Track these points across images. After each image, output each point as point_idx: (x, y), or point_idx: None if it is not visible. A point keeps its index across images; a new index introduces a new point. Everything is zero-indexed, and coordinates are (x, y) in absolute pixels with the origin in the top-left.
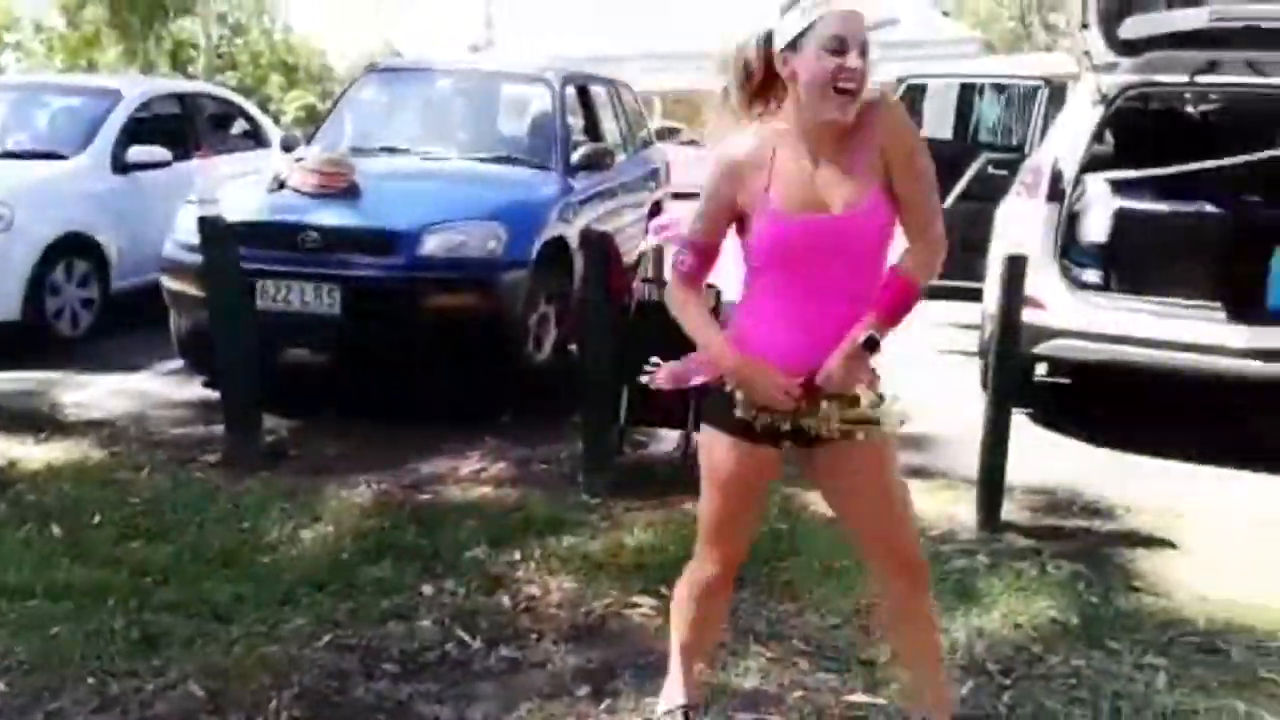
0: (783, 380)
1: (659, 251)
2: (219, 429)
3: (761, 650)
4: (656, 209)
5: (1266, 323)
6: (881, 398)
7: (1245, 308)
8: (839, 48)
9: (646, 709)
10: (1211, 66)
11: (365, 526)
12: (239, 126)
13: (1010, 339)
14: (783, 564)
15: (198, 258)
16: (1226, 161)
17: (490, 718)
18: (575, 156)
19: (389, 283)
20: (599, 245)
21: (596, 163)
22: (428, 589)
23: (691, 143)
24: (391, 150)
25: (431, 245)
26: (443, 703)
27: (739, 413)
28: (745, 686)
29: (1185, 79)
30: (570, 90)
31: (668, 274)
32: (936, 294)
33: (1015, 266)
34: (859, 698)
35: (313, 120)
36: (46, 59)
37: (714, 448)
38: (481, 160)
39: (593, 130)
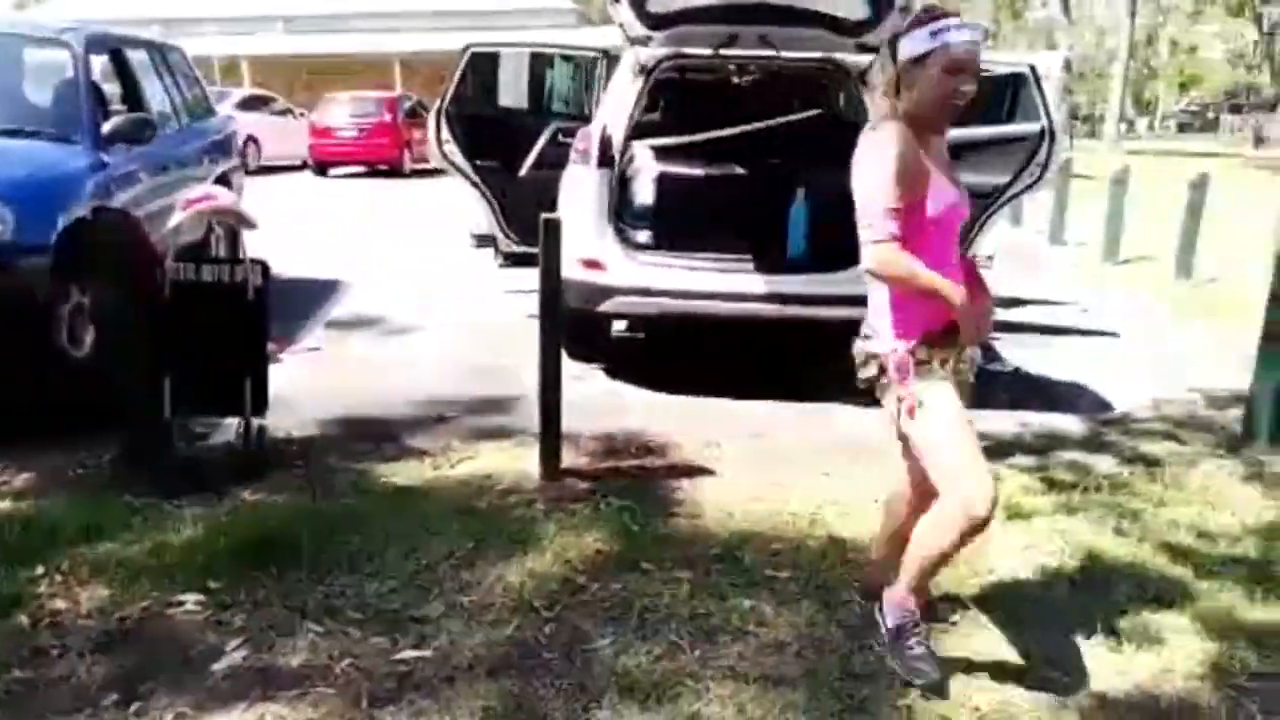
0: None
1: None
2: None
3: (312, 626)
4: (224, 184)
5: (787, 271)
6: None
7: (769, 259)
8: (959, 69)
9: (181, 706)
10: (732, 40)
11: None
12: None
13: (553, 298)
14: (346, 538)
15: None
16: (750, 127)
17: None
18: (107, 128)
19: None
20: (118, 225)
21: (134, 135)
22: None
23: (286, 112)
24: None
25: None
26: None
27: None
28: (292, 664)
29: (710, 51)
30: (100, 54)
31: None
32: (520, 261)
33: (550, 230)
34: (408, 654)
35: None
36: None
37: (939, 392)
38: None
39: (133, 99)
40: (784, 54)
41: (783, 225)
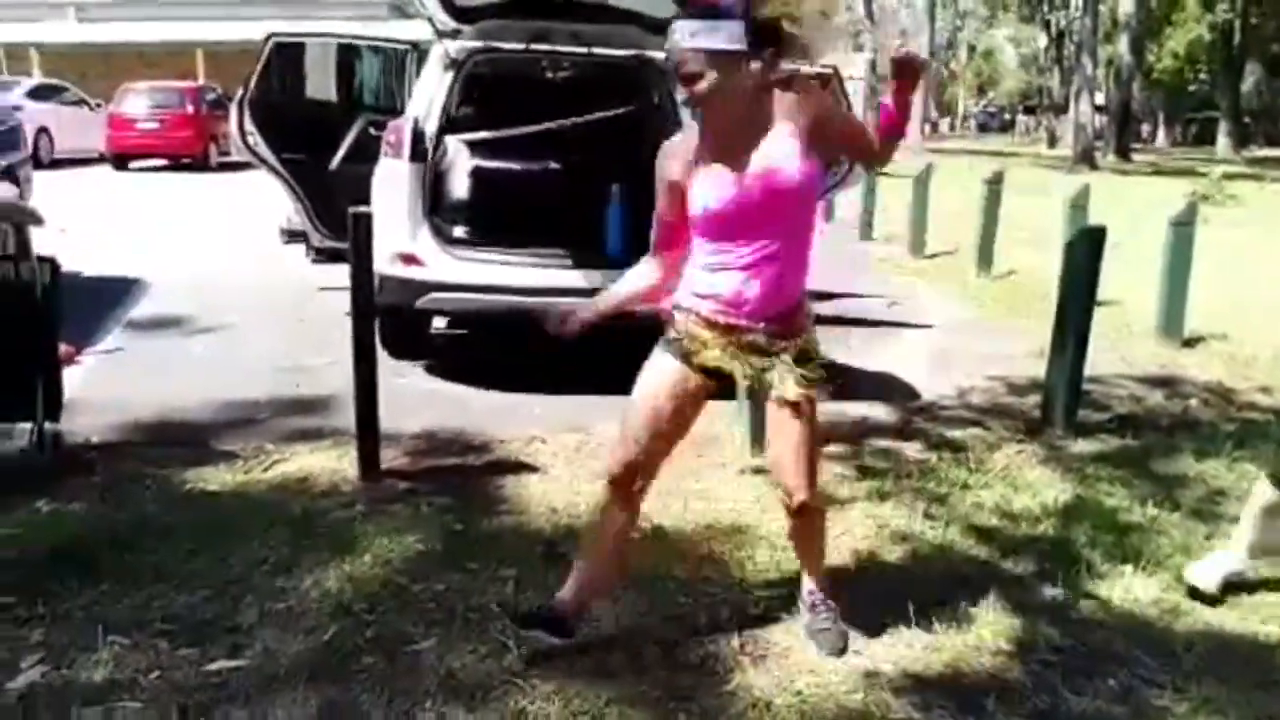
0: None
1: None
2: None
3: (117, 639)
4: (12, 176)
5: (605, 266)
6: None
7: (588, 254)
8: (679, 65)
9: None
10: (543, 35)
11: None
12: None
13: (362, 292)
14: (152, 547)
15: None
16: (565, 122)
17: None
18: None
19: None
20: None
21: None
22: None
23: (80, 102)
24: None
25: None
26: None
27: None
28: (95, 679)
29: (521, 46)
30: None
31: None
32: (333, 256)
33: (358, 224)
34: (220, 664)
35: None
36: None
37: (654, 362)
38: None
39: None
40: (595, 50)
41: (600, 221)
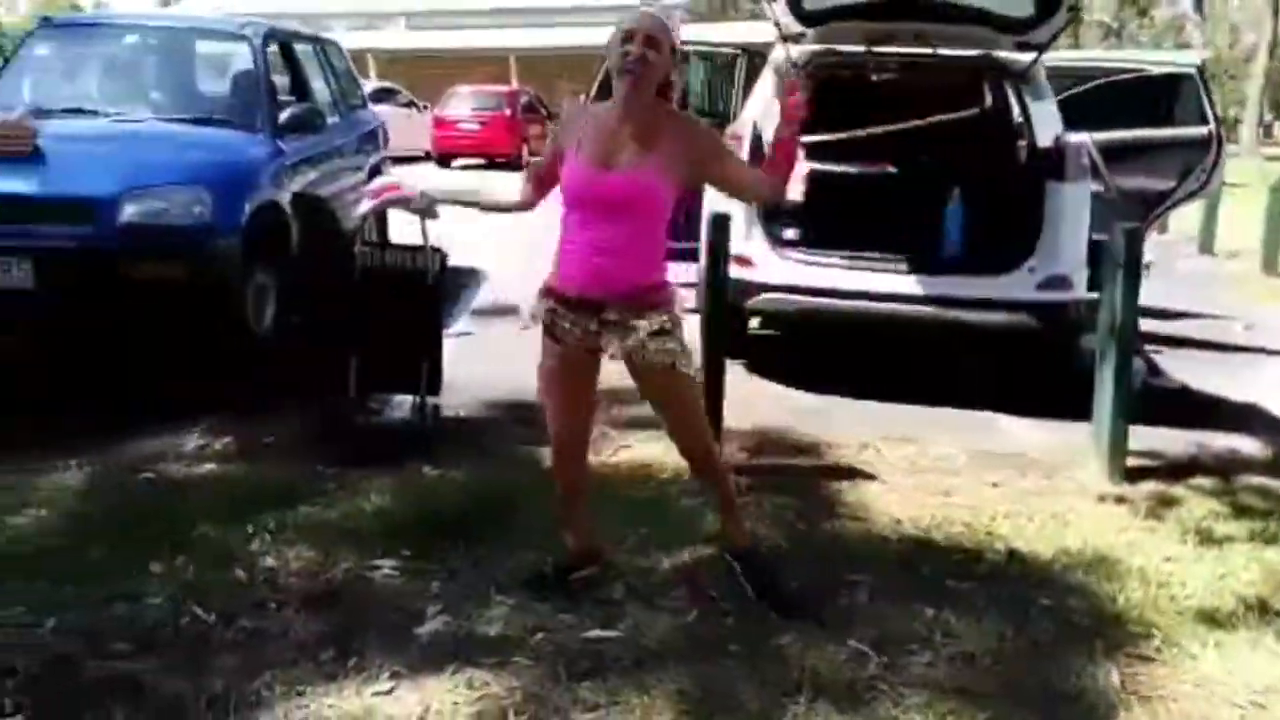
0: None
1: (380, 216)
2: None
3: (503, 598)
4: (376, 173)
5: (940, 272)
6: None
7: (922, 259)
8: (629, 37)
9: (395, 665)
10: (887, 37)
11: (82, 509)
12: None
13: (719, 292)
14: (525, 516)
15: None
16: (904, 125)
17: (233, 688)
18: (283, 118)
19: (87, 252)
20: (320, 210)
21: (307, 124)
22: (156, 567)
23: (411, 105)
24: (77, 111)
25: (132, 211)
26: (181, 677)
27: None
28: (490, 634)
29: (864, 49)
30: (273, 47)
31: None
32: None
33: (718, 225)
34: (595, 632)
35: None
36: None
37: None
38: (180, 121)
39: (300, 90)
40: (940, 51)
41: (936, 226)
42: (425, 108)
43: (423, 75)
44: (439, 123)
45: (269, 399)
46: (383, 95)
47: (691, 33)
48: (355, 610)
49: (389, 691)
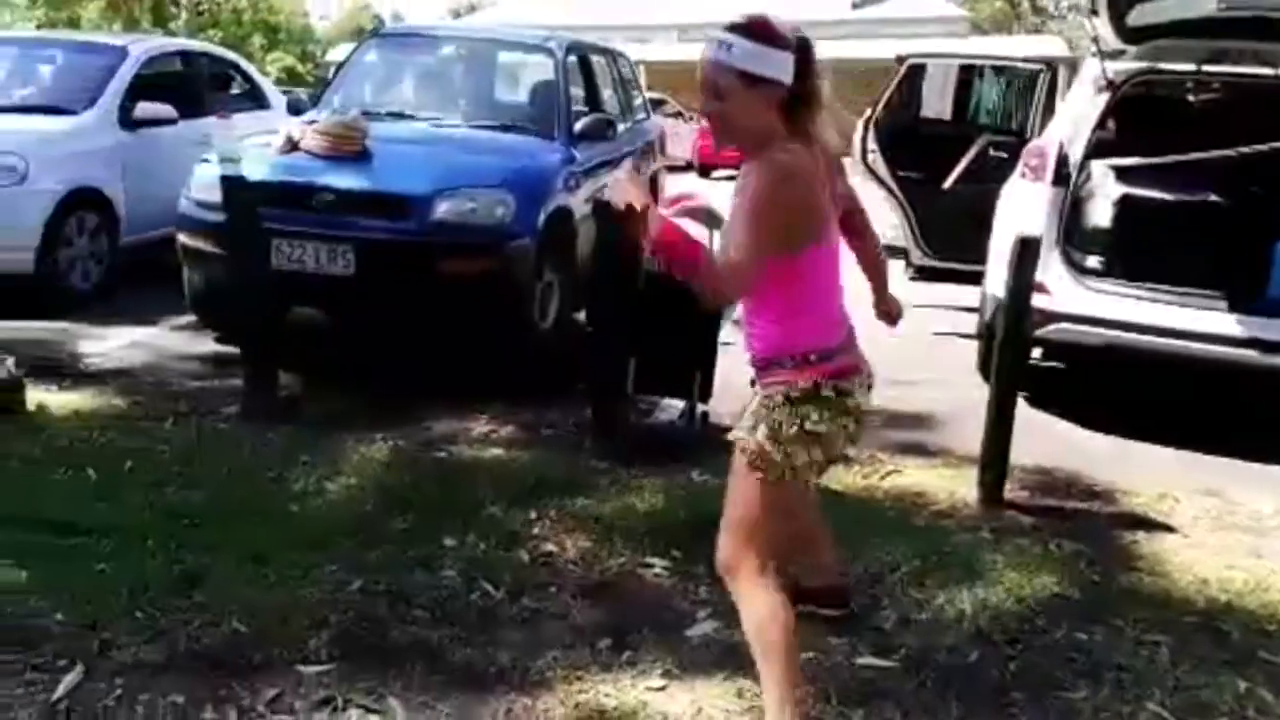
0: None
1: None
2: (234, 382)
3: None
4: (654, 182)
5: (1267, 313)
6: None
7: (1246, 297)
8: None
9: (668, 664)
10: (1219, 56)
11: (386, 480)
12: (238, 87)
13: (1019, 320)
14: None
15: (214, 215)
16: (1231, 151)
17: (517, 663)
18: (578, 126)
19: (403, 245)
20: (612, 215)
21: (599, 133)
22: (450, 541)
23: (677, 114)
24: (398, 115)
25: (443, 210)
26: (472, 647)
27: None
28: None
29: (1192, 67)
30: (572, 59)
31: None
32: (935, 275)
33: (1027, 249)
34: (868, 660)
35: (293, 81)
36: (27, 12)
37: None
38: (487, 128)
39: (593, 100)
40: None
41: (1265, 263)
42: (692, 118)
43: (692, 86)
44: (704, 134)
45: (548, 392)
46: (653, 105)
47: (979, 46)
48: (628, 604)
49: (662, 689)
